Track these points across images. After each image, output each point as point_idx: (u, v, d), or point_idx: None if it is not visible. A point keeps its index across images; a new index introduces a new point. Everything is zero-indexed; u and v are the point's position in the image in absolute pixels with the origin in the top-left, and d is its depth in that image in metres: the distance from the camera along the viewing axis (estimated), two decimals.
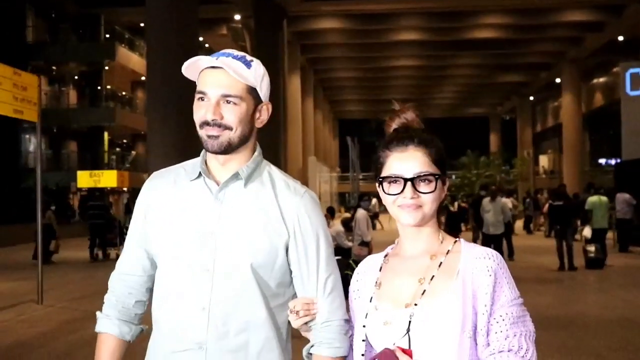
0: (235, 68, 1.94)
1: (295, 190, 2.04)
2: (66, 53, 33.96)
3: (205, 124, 1.95)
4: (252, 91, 1.98)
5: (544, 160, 58.43)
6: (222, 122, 1.94)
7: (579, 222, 17.17)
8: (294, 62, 35.31)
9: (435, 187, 1.75)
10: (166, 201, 2.05)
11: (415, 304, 1.71)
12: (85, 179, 32.83)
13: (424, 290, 1.72)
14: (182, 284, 1.96)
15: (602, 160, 52.15)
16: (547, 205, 23.79)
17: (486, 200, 15.04)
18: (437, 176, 1.75)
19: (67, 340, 8.25)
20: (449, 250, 1.79)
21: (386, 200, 1.80)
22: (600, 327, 8.64)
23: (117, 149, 40.12)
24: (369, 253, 10.72)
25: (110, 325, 2.10)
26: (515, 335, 1.67)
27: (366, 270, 1.91)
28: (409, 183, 1.74)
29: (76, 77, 36.36)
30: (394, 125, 1.86)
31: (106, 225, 19.59)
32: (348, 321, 1.95)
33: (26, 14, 33.81)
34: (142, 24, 33.49)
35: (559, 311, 9.34)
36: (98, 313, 2.13)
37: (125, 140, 41.50)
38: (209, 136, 1.95)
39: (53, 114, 31.64)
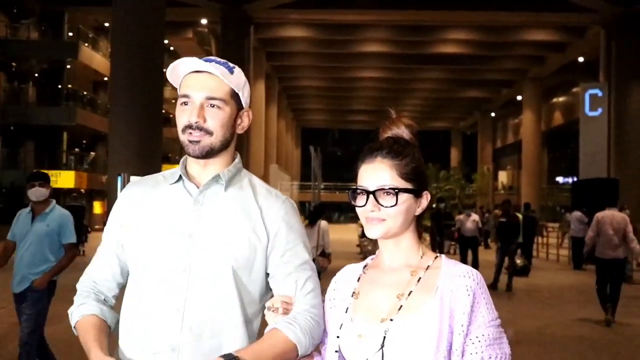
0: (220, 71, 1.96)
1: (277, 195, 2.06)
2: (27, 49, 33.38)
3: (188, 127, 1.94)
4: (235, 96, 2.00)
5: (503, 176, 59.24)
6: (204, 125, 1.94)
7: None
8: (259, 69, 35.25)
9: (397, 202, 1.72)
10: (144, 206, 2.02)
11: (391, 319, 1.68)
12: None
13: (401, 306, 1.69)
14: (157, 286, 1.93)
15: (560, 178, 53.05)
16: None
17: None
18: (397, 190, 1.72)
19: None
20: (428, 266, 1.76)
21: (358, 212, 1.78)
22: (557, 343, 8.74)
23: (76, 150, 39.50)
24: (329, 264, 10.72)
25: (89, 307, 2.00)
26: (490, 357, 1.65)
27: (343, 279, 1.88)
28: (371, 196, 1.72)
29: (37, 75, 35.74)
30: (386, 135, 1.84)
31: (80, 225, 21.13)
32: (323, 328, 1.89)
33: None
34: (106, 24, 33.16)
35: (515, 327, 9.42)
36: (70, 309, 2.03)
37: (85, 141, 40.88)
38: (190, 141, 1.95)
39: (11, 111, 31.07)
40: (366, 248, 20.81)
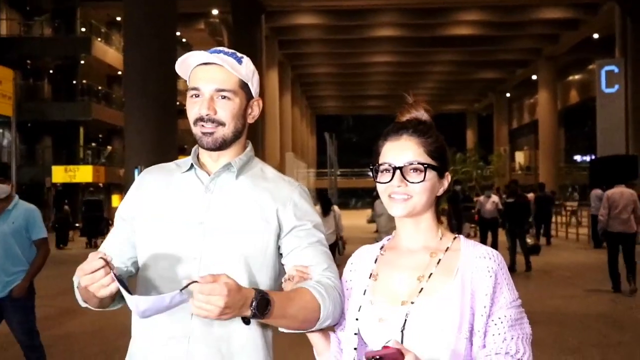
0: (228, 62, 1.95)
1: (289, 182, 2.07)
2: (41, 46, 33.56)
3: (200, 119, 1.95)
4: (245, 86, 2.00)
5: (520, 157, 58.89)
6: (215, 117, 1.95)
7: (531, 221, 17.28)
8: (271, 58, 35.22)
9: (424, 178, 1.72)
10: (156, 193, 2.04)
11: (412, 302, 1.68)
12: (60, 174, 32.47)
13: (422, 289, 1.69)
14: (168, 273, 1.94)
15: (578, 157, 52.67)
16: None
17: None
18: (426, 166, 1.72)
19: (42, 338, 8.15)
20: (448, 248, 1.76)
21: (379, 189, 1.77)
22: (577, 322, 8.72)
23: (93, 144, 39.74)
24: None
25: None
26: (512, 338, 1.65)
27: (360, 260, 1.88)
28: (397, 171, 1.72)
29: (51, 71, 35.94)
30: (404, 119, 1.83)
31: (101, 217, 22.41)
32: (343, 304, 1.87)
33: (0, 7, 33.35)
34: (118, 18, 33.24)
35: (534, 307, 9.39)
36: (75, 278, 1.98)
37: (101, 135, 41.11)
38: (203, 133, 1.96)
39: (28, 108, 31.29)
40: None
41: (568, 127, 52.66)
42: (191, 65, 1.99)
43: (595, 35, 35.69)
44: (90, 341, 7.94)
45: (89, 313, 9.89)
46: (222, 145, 1.98)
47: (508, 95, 55.97)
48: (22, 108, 32.05)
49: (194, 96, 1.97)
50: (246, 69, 2.00)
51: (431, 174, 1.74)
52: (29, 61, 33.90)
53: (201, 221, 1.95)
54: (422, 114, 1.83)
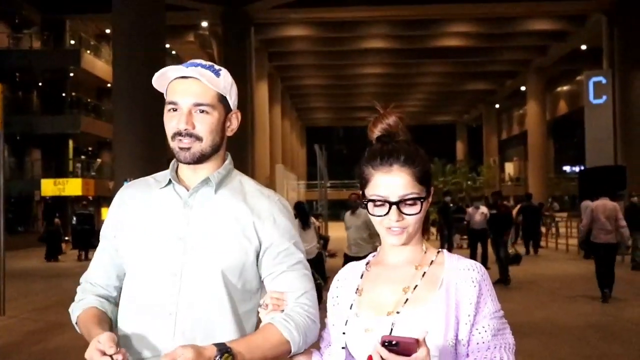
0: (205, 76, 1.94)
1: (268, 196, 2.05)
2: (30, 59, 33.46)
3: (178, 134, 1.94)
4: (223, 99, 1.99)
5: (509, 168, 59.15)
6: (193, 132, 1.94)
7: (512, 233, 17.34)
8: (261, 70, 35.28)
9: (421, 209, 1.73)
10: (135, 209, 2.03)
11: (398, 312, 1.69)
12: (49, 187, 32.33)
13: (407, 299, 1.70)
14: (149, 290, 1.94)
15: (567, 167, 52.93)
16: (514, 211, 24.12)
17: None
18: (422, 199, 1.72)
19: (31, 352, 8.10)
20: (432, 261, 1.77)
21: (374, 220, 1.76)
22: (567, 333, 8.73)
23: (82, 157, 39.61)
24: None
25: (88, 301, 2.03)
26: (496, 347, 1.67)
27: (347, 277, 1.88)
28: (394, 207, 1.71)
29: (40, 84, 35.84)
30: (377, 131, 1.81)
31: (92, 230, 21.94)
32: (319, 327, 1.91)
33: None
34: (108, 31, 33.22)
35: (524, 318, 9.41)
36: (71, 306, 2.04)
37: (90, 148, 40.98)
38: (180, 148, 1.95)
39: (16, 121, 31.13)
40: (374, 245, 20.83)
41: (557, 138, 52.94)
42: (169, 79, 1.98)
43: (583, 47, 35.97)
44: (80, 356, 7.89)
45: None
46: (199, 160, 1.97)
47: (497, 106, 56.25)
48: (11, 121, 31.86)
49: (171, 110, 1.96)
50: (224, 82, 1.99)
51: (424, 203, 1.75)
52: (17, 74, 33.78)
53: (181, 237, 1.95)
54: (392, 120, 1.81)
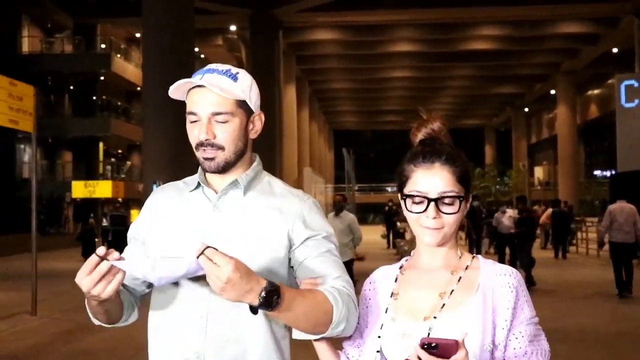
0: (221, 85, 1.91)
1: (298, 195, 2.03)
2: (62, 63, 33.95)
3: (200, 145, 1.94)
4: (242, 104, 1.96)
5: (539, 172, 58.54)
6: (215, 142, 1.93)
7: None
8: (289, 73, 35.38)
9: (459, 209, 1.72)
10: (166, 214, 2.04)
11: (435, 317, 1.69)
12: (80, 189, 32.71)
13: (443, 304, 1.70)
14: (180, 293, 1.94)
15: (597, 172, 52.27)
16: (544, 215, 23.95)
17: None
18: (461, 198, 1.72)
19: (61, 352, 8.19)
20: (467, 266, 1.77)
21: (409, 216, 1.76)
22: (598, 339, 8.62)
23: (112, 159, 40.05)
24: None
25: None
26: (533, 353, 1.68)
27: (380, 279, 1.87)
28: (432, 203, 1.70)
29: (71, 87, 36.33)
30: (420, 135, 1.81)
31: (125, 232, 22.45)
32: (357, 313, 1.85)
33: (22, 24, 33.81)
34: (138, 35, 33.57)
35: (555, 324, 9.30)
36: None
37: (120, 151, 41.44)
38: (205, 158, 1.95)
39: (48, 124, 31.60)
40: (402, 249, 20.75)
41: (587, 142, 52.32)
42: (186, 89, 1.96)
43: (615, 50, 35.52)
44: (108, 357, 7.96)
45: (108, 329, 9.90)
46: (225, 169, 1.97)
47: (526, 110, 55.77)
48: (43, 124, 32.38)
49: (192, 120, 1.95)
50: (242, 86, 1.96)
51: (462, 203, 1.74)
52: (49, 77, 34.29)
53: (210, 240, 1.92)
54: (437, 127, 1.81)
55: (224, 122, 1.92)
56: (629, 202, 12.59)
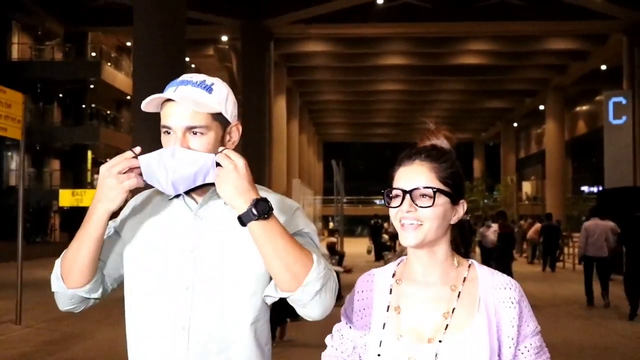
0: (195, 98, 1.86)
1: (281, 200, 1.99)
2: (51, 70, 33.86)
3: None
4: (218, 116, 1.90)
5: (527, 187, 58.78)
6: None
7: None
8: (280, 84, 35.41)
9: (434, 202, 1.67)
10: (145, 222, 2.00)
11: (440, 341, 1.66)
12: (67, 198, 32.57)
13: (447, 325, 1.68)
14: (161, 304, 1.91)
15: (585, 188, 52.53)
16: (532, 230, 24.18)
17: None
18: (435, 190, 1.67)
19: None
20: (465, 278, 1.74)
21: (391, 214, 1.73)
22: (584, 355, 8.63)
23: None
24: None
25: None
26: None
27: (372, 288, 1.82)
28: (407, 196, 1.68)
29: (61, 95, 36.22)
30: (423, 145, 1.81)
31: None
32: (336, 286, 1.81)
33: (12, 31, 33.72)
34: (128, 43, 33.55)
35: (543, 338, 9.30)
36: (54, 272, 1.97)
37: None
38: None
39: (37, 131, 31.49)
40: (390, 261, 20.75)
41: (575, 157, 52.60)
42: (160, 102, 1.92)
43: (603, 67, 35.79)
44: None
45: (93, 338, 9.86)
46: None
47: (515, 124, 56.03)
48: (31, 131, 32.28)
49: (166, 133, 1.91)
50: (218, 97, 1.90)
51: (442, 200, 1.69)
52: (39, 85, 34.18)
53: (192, 249, 1.92)
54: (442, 142, 1.80)
55: (198, 135, 1.87)
56: (602, 219, 13.69)
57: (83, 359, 8.22)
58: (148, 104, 1.93)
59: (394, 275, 1.81)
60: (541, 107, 45.87)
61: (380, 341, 1.72)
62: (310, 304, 1.77)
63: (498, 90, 45.12)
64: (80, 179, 36.19)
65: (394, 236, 27.13)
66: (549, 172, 42.90)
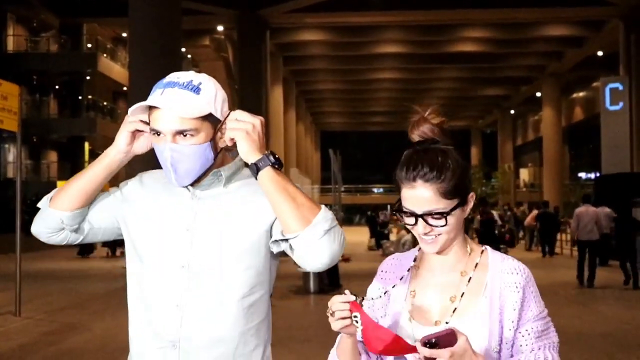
0: (183, 102, 1.85)
1: None
2: (47, 62, 33.75)
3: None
4: (208, 116, 1.89)
5: (524, 174, 58.83)
6: None
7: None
8: (276, 74, 35.35)
9: (447, 222, 1.69)
10: (146, 201, 2.05)
11: (447, 322, 1.70)
12: None
13: (455, 309, 1.72)
14: (157, 282, 1.95)
15: (582, 174, 52.58)
16: (529, 217, 24.32)
17: None
18: (446, 214, 1.68)
19: (45, 353, 8.14)
20: (477, 264, 1.77)
21: (408, 227, 1.77)
22: (583, 341, 8.66)
23: None
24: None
25: None
26: (540, 348, 1.70)
27: (395, 270, 1.86)
28: (420, 220, 1.70)
29: (57, 87, 36.12)
30: (415, 136, 1.79)
31: None
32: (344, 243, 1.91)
33: (7, 23, 33.57)
34: (124, 34, 33.43)
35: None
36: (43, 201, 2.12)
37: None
38: None
39: (33, 123, 31.42)
40: (388, 250, 20.80)
41: (572, 144, 52.62)
42: (146, 107, 1.91)
43: (600, 53, 35.77)
44: (91, 358, 7.92)
45: (93, 329, 9.89)
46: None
47: (512, 112, 56.02)
48: (28, 123, 32.20)
49: (156, 134, 1.90)
50: (207, 97, 1.89)
51: (452, 214, 1.71)
52: (35, 77, 34.07)
53: (188, 228, 1.96)
54: (429, 130, 1.79)
55: (188, 136, 1.87)
56: (593, 206, 15.05)
57: (82, 350, 8.24)
58: (134, 110, 1.93)
59: (415, 260, 1.85)
60: (538, 94, 45.86)
61: (399, 323, 1.77)
62: (319, 244, 1.83)
63: (495, 78, 45.08)
64: (77, 170, 35.66)
65: (384, 224, 28.54)
66: (546, 159, 42.95)
